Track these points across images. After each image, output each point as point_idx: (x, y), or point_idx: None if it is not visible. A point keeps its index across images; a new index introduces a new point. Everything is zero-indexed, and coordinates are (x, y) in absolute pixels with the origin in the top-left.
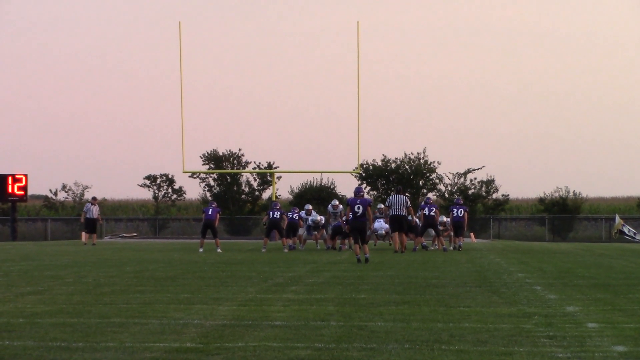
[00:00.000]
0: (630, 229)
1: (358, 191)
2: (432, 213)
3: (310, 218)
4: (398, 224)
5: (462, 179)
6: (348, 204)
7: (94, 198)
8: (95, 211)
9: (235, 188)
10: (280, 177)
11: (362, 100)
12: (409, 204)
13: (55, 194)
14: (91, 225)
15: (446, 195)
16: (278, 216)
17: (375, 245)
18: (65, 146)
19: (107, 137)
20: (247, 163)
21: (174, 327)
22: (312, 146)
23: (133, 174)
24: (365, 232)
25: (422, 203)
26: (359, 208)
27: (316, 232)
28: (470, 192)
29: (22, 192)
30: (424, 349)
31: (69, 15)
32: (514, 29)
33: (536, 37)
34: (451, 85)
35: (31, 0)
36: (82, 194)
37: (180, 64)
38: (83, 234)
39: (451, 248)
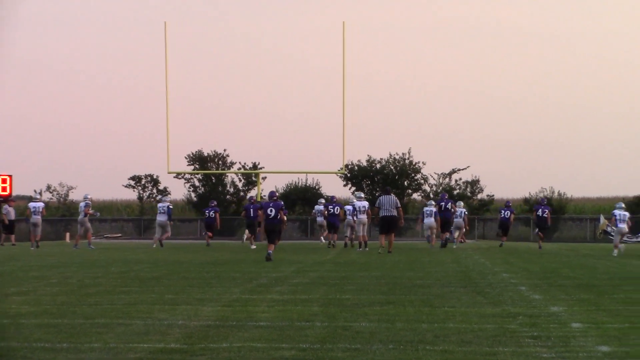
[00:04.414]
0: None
1: (272, 195)
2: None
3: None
4: (388, 225)
5: (447, 179)
6: (262, 207)
7: (11, 200)
8: (12, 213)
9: (220, 188)
10: (265, 177)
11: (348, 101)
12: (399, 205)
13: (40, 194)
14: (11, 227)
15: (431, 196)
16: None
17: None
18: (50, 146)
19: (92, 138)
20: (232, 163)
21: (158, 327)
22: (297, 147)
23: (118, 175)
24: (278, 233)
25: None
26: (271, 211)
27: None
28: (455, 192)
29: (6, 193)
30: (408, 349)
31: (53, 16)
32: (499, 30)
33: (519, 38)
34: (436, 85)
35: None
36: (67, 195)
37: (165, 64)
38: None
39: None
